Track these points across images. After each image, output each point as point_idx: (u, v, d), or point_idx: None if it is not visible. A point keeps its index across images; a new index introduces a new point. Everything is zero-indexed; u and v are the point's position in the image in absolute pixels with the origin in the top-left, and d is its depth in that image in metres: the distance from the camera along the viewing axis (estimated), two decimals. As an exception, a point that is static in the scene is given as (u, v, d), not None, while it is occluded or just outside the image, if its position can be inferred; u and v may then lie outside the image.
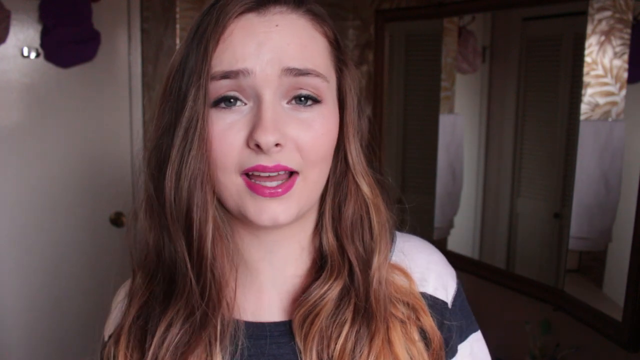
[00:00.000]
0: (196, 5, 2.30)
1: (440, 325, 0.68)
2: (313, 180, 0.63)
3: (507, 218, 2.02)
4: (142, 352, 0.66)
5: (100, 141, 2.48)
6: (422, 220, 2.16)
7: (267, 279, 0.69)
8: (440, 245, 2.10)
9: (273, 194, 0.60)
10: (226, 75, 0.59)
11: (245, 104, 0.61)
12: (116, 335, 0.69)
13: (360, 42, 2.39)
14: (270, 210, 0.60)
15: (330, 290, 0.65)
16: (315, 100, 0.62)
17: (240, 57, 0.59)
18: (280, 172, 0.60)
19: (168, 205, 0.62)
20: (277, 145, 0.59)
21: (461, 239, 2.13)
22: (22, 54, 2.26)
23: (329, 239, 0.67)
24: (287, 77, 0.60)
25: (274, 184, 0.60)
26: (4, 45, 2.20)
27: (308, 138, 0.61)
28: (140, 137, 2.54)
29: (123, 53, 2.49)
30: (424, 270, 0.70)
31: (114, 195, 2.51)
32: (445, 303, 0.70)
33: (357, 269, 0.65)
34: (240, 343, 0.65)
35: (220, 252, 0.63)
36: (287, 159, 0.60)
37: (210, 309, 0.63)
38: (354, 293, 0.65)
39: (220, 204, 0.65)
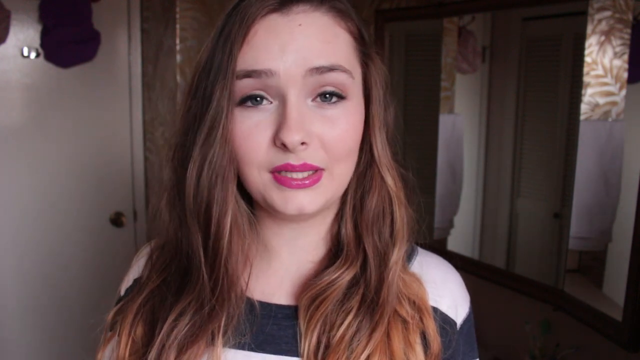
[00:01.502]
0: (196, 5, 2.30)
1: (447, 343, 0.68)
2: (339, 175, 0.64)
3: (507, 218, 2.02)
4: (145, 332, 0.68)
5: (100, 141, 2.48)
6: (422, 220, 2.15)
7: (283, 265, 0.70)
8: (440, 245, 2.10)
9: (300, 185, 0.61)
10: (248, 74, 0.60)
11: (271, 102, 0.62)
12: (123, 311, 0.71)
13: (360, 42, 2.39)
14: (297, 200, 0.62)
15: (341, 278, 0.66)
16: (340, 97, 0.63)
17: (264, 58, 0.60)
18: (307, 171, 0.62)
19: (188, 200, 0.63)
20: (302, 143, 0.60)
21: (461, 239, 2.13)
22: (22, 54, 2.26)
23: (348, 229, 0.68)
24: (313, 76, 0.61)
25: (300, 176, 0.62)
26: (4, 45, 2.20)
27: (333, 135, 0.62)
28: (140, 137, 2.54)
29: (123, 53, 2.49)
30: (440, 287, 0.71)
31: (114, 195, 2.51)
32: (454, 323, 0.70)
33: (371, 261, 0.66)
34: (246, 322, 0.67)
35: (236, 248, 0.65)
36: (312, 157, 0.61)
37: (219, 303, 0.64)
38: (363, 283, 0.66)
39: (242, 196, 0.67)
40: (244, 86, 0.61)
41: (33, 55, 2.27)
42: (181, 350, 0.64)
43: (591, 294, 1.58)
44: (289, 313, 0.68)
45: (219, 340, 0.65)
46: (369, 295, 0.65)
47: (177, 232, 0.67)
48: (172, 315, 0.66)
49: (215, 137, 0.61)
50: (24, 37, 2.26)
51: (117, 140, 2.52)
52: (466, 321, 0.72)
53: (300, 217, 0.65)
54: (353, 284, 0.66)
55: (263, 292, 0.69)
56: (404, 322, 0.66)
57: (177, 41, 2.29)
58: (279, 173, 0.62)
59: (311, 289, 0.66)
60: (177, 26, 2.28)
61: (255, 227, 0.69)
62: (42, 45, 2.27)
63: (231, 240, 0.64)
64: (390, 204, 0.68)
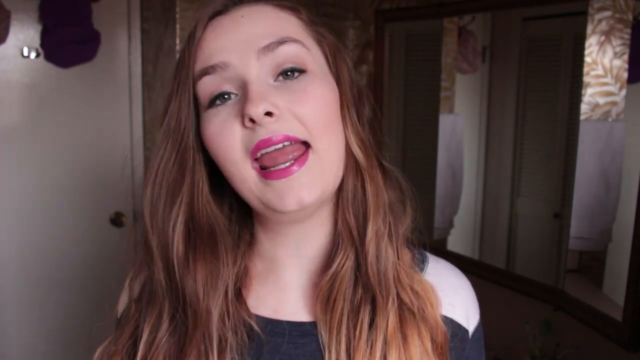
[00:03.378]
0: (196, 5, 2.30)
1: (460, 353, 0.67)
2: (324, 151, 0.61)
3: (507, 218, 2.02)
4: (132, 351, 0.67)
5: (100, 141, 2.48)
6: (422, 220, 2.15)
7: (293, 277, 0.68)
8: (440, 245, 2.10)
9: (286, 172, 0.58)
10: (205, 72, 0.61)
11: (237, 94, 0.61)
12: (110, 356, 0.69)
13: (360, 42, 2.39)
14: (293, 192, 0.58)
15: (339, 267, 0.63)
16: (301, 71, 0.62)
17: (213, 53, 0.61)
18: (285, 143, 0.59)
19: (145, 211, 0.64)
20: (269, 114, 0.58)
21: (461, 239, 2.13)
22: (22, 54, 2.26)
23: (340, 218, 0.66)
24: (266, 55, 0.60)
25: (286, 163, 0.59)
26: (4, 45, 2.20)
27: (303, 105, 0.60)
28: (140, 137, 2.54)
29: (123, 53, 2.49)
30: (453, 295, 0.69)
31: (114, 195, 2.51)
32: (467, 331, 0.69)
33: (357, 242, 0.64)
34: (255, 339, 0.64)
35: (195, 266, 0.63)
36: (287, 128, 0.59)
37: (192, 319, 0.62)
38: (357, 271, 0.64)
39: (230, 207, 0.67)
40: (205, 85, 0.61)
41: (33, 55, 2.27)
42: None
43: (591, 294, 1.58)
44: (306, 330, 0.65)
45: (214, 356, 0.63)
46: (361, 278, 0.63)
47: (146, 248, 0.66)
48: (146, 330, 0.64)
49: (166, 146, 0.62)
50: (24, 37, 2.26)
51: (117, 140, 2.52)
52: (477, 329, 0.71)
53: (302, 212, 0.62)
54: (356, 277, 0.64)
55: (274, 310, 0.67)
56: (412, 313, 0.64)
57: (177, 41, 2.29)
58: (262, 168, 0.59)
59: (319, 293, 0.64)
60: (177, 26, 2.28)
61: (254, 241, 0.68)
62: (42, 45, 2.27)
63: (187, 257, 0.63)
64: (362, 181, 0.65)
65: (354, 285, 0.64)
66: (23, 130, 2.32)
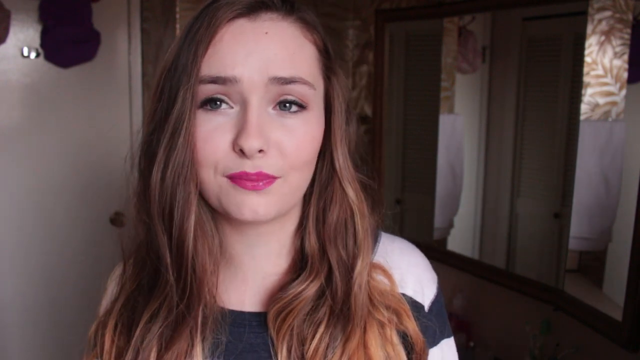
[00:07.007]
0: (196, 5, 2.30)
1: (422, 329, 0.69)
2: (294, 182, 0.64)
3: (507, 218, 2.02)
4: (128, 338, 0.69)
5: (100, 141, 2.48)
6: (422, 220, 2.16)
7: (250, 272, 0.71)
8: (440, 245, 2.10)
9: (255, 187, 0.61)
10: (214, 81, 0.61)
11: (232, 107, 0.62)
12: (104, 319, 0.72)
13: (360, 42, 2.39)
14: (252, 204, 0.62)
15: (306, 290, 0.66)
16: (301, 106, 0.63)
17: (229, 64, 0.60)
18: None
19: (153, 201, 0.64)
20: (260, 151, 0.60)
21: (461, 239, 2.13)
22: (22, 54, 2.26)
23: (311, 241, 0.69)
24: (274, 85, 0.61)
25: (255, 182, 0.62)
26: (4, 45, 2.20)
27: (291, 143, 0.62)
28: (140, 137, 2.54)
29: (123, 53, 2.49)
30: (404, 272, 0.71)
31: (114, 195, 2.50)
32: (422, 306, 0.71)
33: (336, 272, 0.66)
34: (222, 330, 0.67)
35: (202, 248, 0.65)
36: (269, 165, 0.61)
37: (190, 304, 0.65)
38: (330, 295, 0.66)
39: (204, 200, 0.67)
40: (207, 90, 0.61)
41: (33, 55, 2.27)
42: (159, 353, 0.65)
43: (591, 294, 1.58)
44: (261, 320, 0.69)
45: (199, 351, 0.65)
46: (336, 306, 0.65)
47: (147, 234, 0.67)
48: (144, 318, 0.66)
49: (178, 138, 0.61)
50: (24, 37, 2.26)
51: (117, 140, 2.52)
52: (435, 302, 0.72)
53: (257, 224, 0.66)
54: (320, 295, 0.66)
55: (236, 300, 0.70)
56: (381, 324, 0.67)
57: (177, 41, 2.29)
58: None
59: (277, 302, 0.66)
60: (177, 26, 2.28)
61: (219, 233, 0.70)
62: (42, 45, 2.27)
63: (196, 242, 0.64)
64: (352, 216, 0.68)
65: (317, 304, 0.66)
66: (23, 130, 2.32)
